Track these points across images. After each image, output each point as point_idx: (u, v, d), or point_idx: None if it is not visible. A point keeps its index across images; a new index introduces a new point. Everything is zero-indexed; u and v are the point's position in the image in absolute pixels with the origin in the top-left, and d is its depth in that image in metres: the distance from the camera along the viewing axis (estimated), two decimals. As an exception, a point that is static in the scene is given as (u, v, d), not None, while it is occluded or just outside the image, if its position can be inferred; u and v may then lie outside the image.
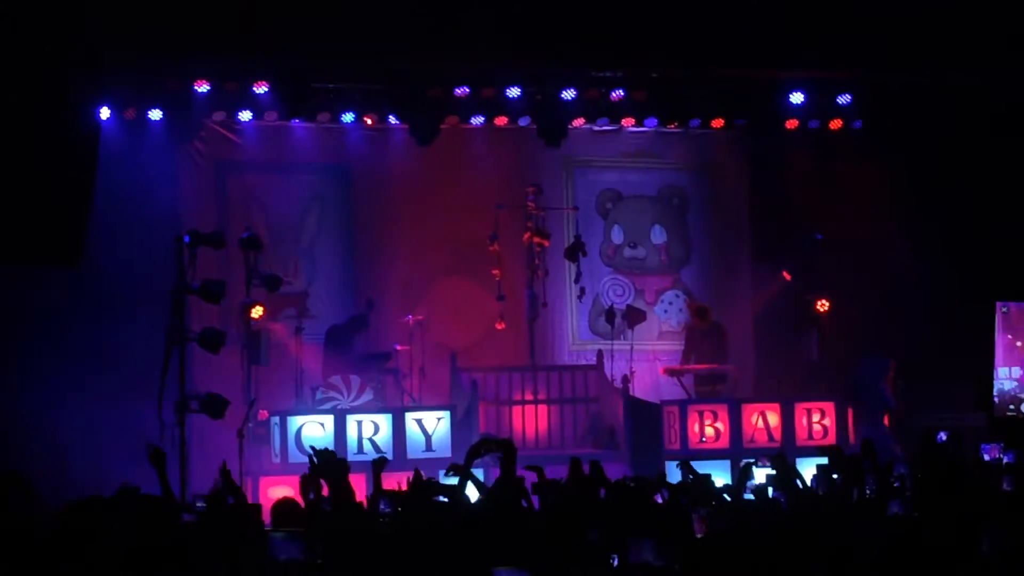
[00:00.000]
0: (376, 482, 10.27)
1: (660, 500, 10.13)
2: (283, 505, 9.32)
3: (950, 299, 18.98)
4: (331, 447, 10.89)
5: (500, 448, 9.03)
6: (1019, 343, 19.17)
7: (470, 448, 9.26)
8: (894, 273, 19.06)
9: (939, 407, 18.11)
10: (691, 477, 11.25)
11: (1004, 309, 19.09)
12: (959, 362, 18.78)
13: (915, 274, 19.06)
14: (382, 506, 9.66)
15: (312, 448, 9.28)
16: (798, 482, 10.35)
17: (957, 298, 19.00)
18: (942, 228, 18.97)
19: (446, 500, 8.92)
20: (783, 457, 10.71)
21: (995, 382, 19.05)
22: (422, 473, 9.87)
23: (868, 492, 10.37)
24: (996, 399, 19.02)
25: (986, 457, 13.41)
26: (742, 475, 11.15)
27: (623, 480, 10.34)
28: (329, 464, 8.90)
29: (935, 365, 18.58)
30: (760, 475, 11.38)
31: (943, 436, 14.79)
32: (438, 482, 10.00)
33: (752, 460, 11.76)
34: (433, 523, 8.34)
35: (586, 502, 9.43)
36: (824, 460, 11.12)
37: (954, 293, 18.99)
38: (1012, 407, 18.94)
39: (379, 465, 10.50)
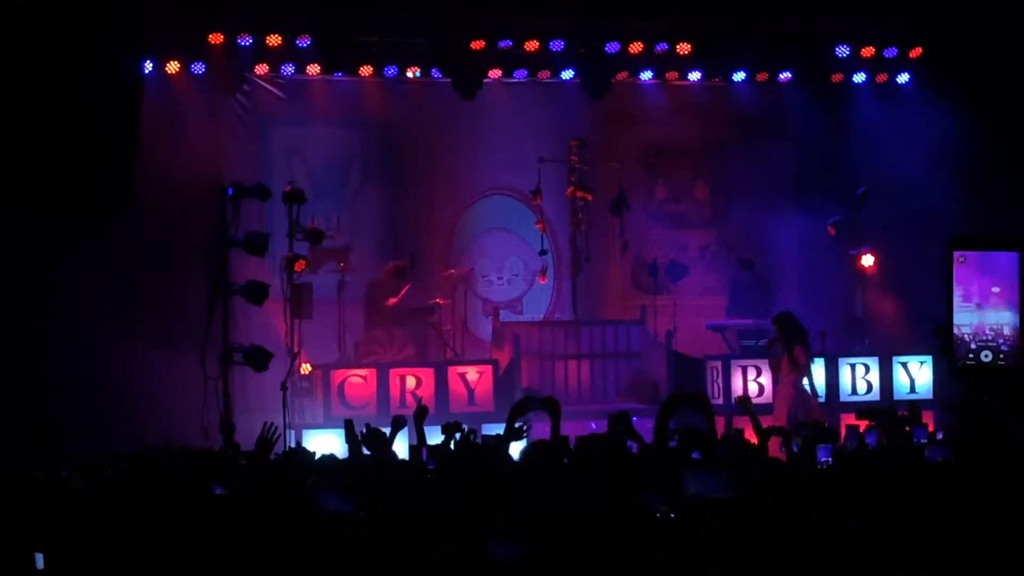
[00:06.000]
0: (419, 431, 10.28)
1: None
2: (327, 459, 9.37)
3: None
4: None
5: (544, 406, 8.99)
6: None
7: (513, 405, 9.23)
8: (942, 228, 18.82)
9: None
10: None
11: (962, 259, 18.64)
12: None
13: (964, 229, 18.80)
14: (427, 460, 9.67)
15: (367, 427, 9.42)
16: None
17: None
18: (991, 182, 18.71)
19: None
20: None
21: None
22: (463, 426, 9.87)
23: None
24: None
25: None
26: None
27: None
28: (376, 439, 9.01)
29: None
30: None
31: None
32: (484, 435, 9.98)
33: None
34: (475, 476, 8.32)
35: (621, 457, 9.36)
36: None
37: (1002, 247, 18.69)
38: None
39: (421, 415, 10.50)
